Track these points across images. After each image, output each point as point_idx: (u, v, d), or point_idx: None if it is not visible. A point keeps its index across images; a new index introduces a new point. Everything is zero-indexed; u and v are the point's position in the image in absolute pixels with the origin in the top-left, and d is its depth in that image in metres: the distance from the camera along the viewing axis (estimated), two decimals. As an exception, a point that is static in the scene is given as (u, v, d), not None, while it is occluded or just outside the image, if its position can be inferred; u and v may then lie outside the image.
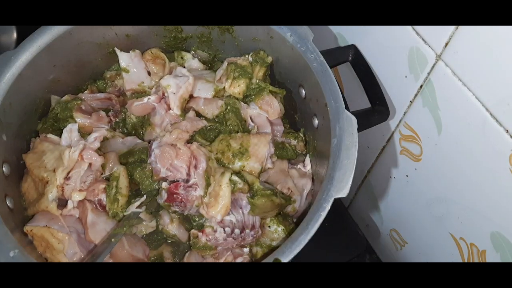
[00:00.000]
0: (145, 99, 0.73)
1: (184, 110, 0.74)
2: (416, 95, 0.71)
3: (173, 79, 0.72)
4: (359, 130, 0.61)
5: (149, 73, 0.77)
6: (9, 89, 0.65)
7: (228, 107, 0.73)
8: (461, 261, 0.76)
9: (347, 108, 0.63)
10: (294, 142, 0.75)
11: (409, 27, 0.66)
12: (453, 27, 0.59)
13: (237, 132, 0.72)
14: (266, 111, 0.74)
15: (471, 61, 0.59)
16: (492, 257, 0.69)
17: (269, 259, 0.56)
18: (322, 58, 0.66)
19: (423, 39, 0.65)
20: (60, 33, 0.68)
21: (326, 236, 0.62)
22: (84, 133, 0.70)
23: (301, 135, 0.75)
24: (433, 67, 0.65)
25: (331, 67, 0.66)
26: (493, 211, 0.66)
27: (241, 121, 0.73)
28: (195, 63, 0.79)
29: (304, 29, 0.68)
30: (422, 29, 0.64)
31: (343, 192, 0.58)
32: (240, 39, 0.76)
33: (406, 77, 0.71)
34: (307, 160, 0.73)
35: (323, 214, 0.57)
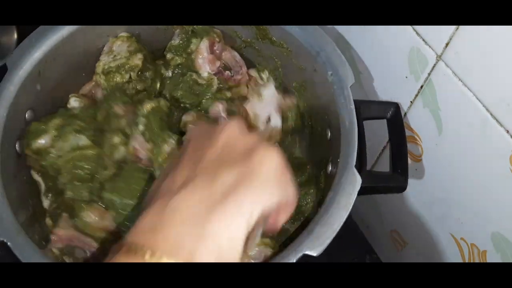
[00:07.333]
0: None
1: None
2: (416, 95, 0.71)
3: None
4: (367, 193, 0.58)
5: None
6: (54, 46, 0.65)
7: None
8: (462, 262, 0.76)
9: (360, 166, 0.59)
10: None
11: (409, 27, 0.66)
12: (453, 27, 0.59)
13: None
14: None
15: (472, 61, 0.59)
16: (493, 258, 0.69)
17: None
18: (353, 107, 0.62)
19: (423, 40, 0.65)
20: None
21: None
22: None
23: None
24: (433, 67, 0.65)
25: (364, 119, 0.63)
26: (494, 211, 0.66)
27: None
28: (271, 91, 0.74)
29: (346, 71, 0.64)
30: (423, 29, 0.64)
31: (317, 250, 0.53)
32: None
33: (406, 77, 0.71)
34: None
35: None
